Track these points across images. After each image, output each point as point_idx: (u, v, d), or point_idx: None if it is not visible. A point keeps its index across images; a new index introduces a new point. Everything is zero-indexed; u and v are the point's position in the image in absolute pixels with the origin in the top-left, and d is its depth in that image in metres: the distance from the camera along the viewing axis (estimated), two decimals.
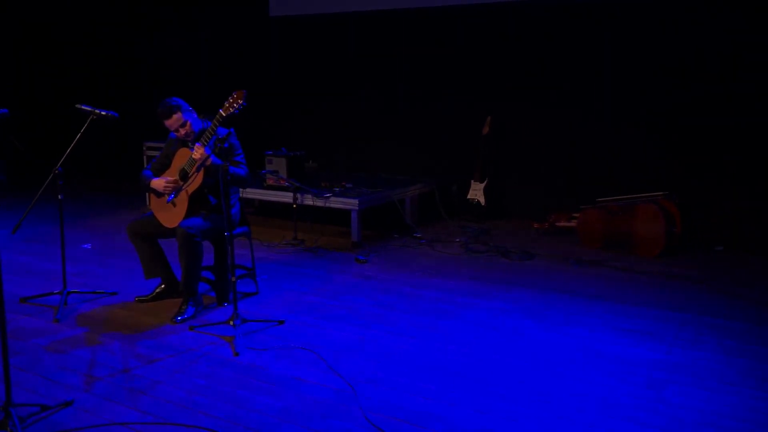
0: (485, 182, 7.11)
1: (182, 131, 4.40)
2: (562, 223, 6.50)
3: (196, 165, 4.29)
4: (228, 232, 4.08)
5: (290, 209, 6.35)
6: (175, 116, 4.35)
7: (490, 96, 7.14)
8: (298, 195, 6.30)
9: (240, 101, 4.15)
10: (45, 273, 5.30)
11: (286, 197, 6.38)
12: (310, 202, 6.30)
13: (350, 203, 6.12)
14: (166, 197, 4.46)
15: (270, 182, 6.53)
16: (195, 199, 4.40)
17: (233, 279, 4.04)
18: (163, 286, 4.69)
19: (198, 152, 4.23)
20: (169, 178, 4.46)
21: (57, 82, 10.01)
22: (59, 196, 4.48)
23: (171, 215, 4.47)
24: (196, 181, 4.33)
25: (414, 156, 7.63)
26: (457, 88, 7.31)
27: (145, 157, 7.87)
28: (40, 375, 3.51)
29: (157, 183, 4.48)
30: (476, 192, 7.17)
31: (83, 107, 4.47)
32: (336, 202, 6.19)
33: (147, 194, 4.59)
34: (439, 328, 4.21)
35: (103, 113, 4.45)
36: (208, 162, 4.24)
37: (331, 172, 7.59)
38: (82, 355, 3.78)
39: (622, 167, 6.49)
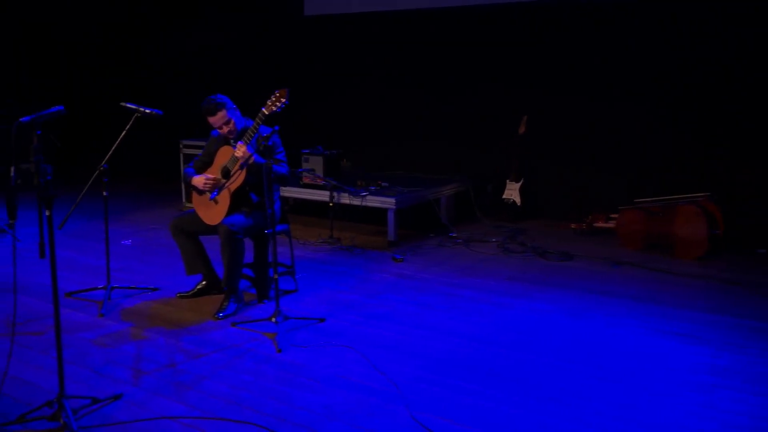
0: (521, 182, 7.07)
1: (225, 129, 4.44)
2: (600, 224, 6.44)
3: (239, 163, 4.33)
4: (271, 229, 4.11)
5: (324, 208, 6.38)
6: (219, 113, 4.39)
7: (525, 95, 7.09)
8: (335, 194, 6.32)
9: (283, 99, 4.18)
10: (87, 268, 5.39)
11: (323, 196, 6.41)
12: (347, 201, 6.32)
13: (387, 202, 6.12)
14: (209, 195, 4.51)
15: (306, 181, 6.56)
16: (237, 197, 4.44)
17: (275, 276, 4.06)
18: (204, 282, 4.74)
19: (240, 150, 4.26)
20: (209, 176, 4.51)
21: (94, 81, 10.17)
22: (104, 193, 4.55)
23: (213, 212, 4.51)
24: (239, 179, 4.37)
25: (448, 156, 7.61)
26: (493, 88, 7.28)
27: (181, 155, 7.96)
28: (88, 368, 3.57)
29: (198, 180, 4.53)
30: (512, 192, 7.13)
31: (128, 105, 4.53)
32: (373, 201, 6.20)
33: (190, 191, 4.63)
34: (480, 327, 4.19)
35: (147, 111, 4.51)
36: (251, 160, 4.27)
37: (366, 171, 7.60)
38: (128, 349, 3.84)
39: (661, 167, 6.41)
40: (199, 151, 7.73)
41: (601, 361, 3.70)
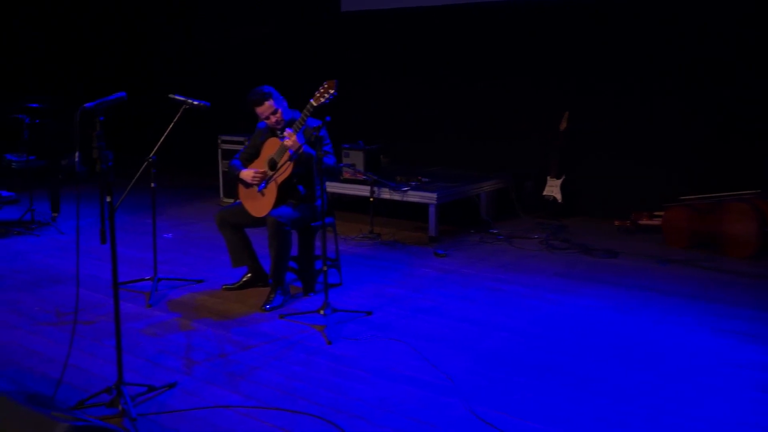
0: (562, 178, 6.97)
1: (273, 119, 4.42)
2: (645, 221, 6.32)
3: (288, 153, 4.31)
4: (320, 221, 4.09)
5: (362, 203, 6.34)
6: (266, 103, 4.38)
7: (567, 91, 6.99)
8: (375, 189, 6.29)
9: (331, 91, 4.15)
10: (131, 260, 5.42)
11: (363, 191, 6.38)
12: (387, 196, 6.28)
13: (428, 197, 6.07)
14: (256, 187, 4.50)
15: (347, 176, 6.53)
16: (284, 189, 4.42)
17: (324, 268, 4.04)
18: (249, 275, 4.74)
19: (291, 140, 4.24)
20: (258, 170, 4.50)
21: (134, 73, 10.27)
22: (152, 185, 4.57)
23: (259, 204, 4.51)
24: (286, 170, 4.35)
25: (487, 152, 7.53)
26: (533, 84, 7.19)
27: (220, 150, 7.99)
28: (141, 357, 3.58)
29: (246, 174, 4.52)
30: (552, 188, 7.04)
31: (176, 97, 4.54)
32: (413, 196, 6.16)
33: (235, 184, 4.63)
34: (528, 323, 4.13)
35: (195, 103, 4.52)
36: (300, 151, 4.25)
37: (404, 166, 7.56)
38: (177, 339, 3.84)
39: (707, 164, 6.27)
40: (238, 147, 7.82)
41: (655, 357, 3.61)
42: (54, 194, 6.74)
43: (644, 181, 6.62)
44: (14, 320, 4.11)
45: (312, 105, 4.19)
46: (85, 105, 2.66)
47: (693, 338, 3.87)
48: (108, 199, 2.73)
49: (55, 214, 6.75)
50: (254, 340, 3.82)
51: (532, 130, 7.23)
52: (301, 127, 4.29)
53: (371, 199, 6.29)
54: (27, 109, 6.42)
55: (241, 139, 7.79)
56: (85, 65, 10.03)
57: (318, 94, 4.18)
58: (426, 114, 7.92)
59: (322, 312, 4.02)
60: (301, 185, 4.48)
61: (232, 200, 7.67)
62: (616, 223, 6.47)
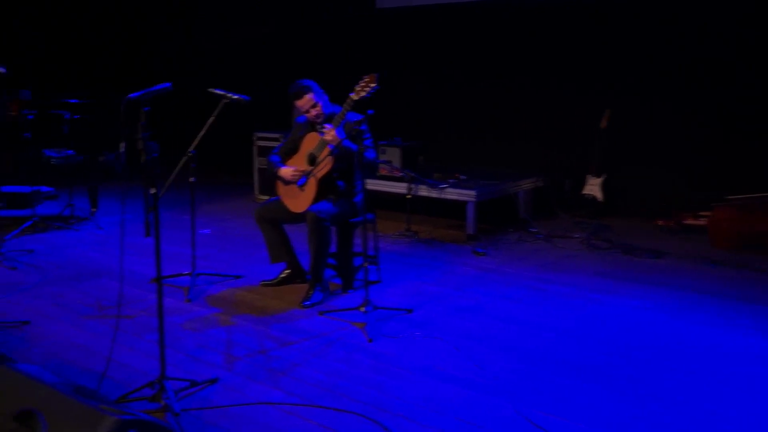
0: (603, 177, 6.82)
1: (313, 112, 4.37)
2: (689, 221, 6.15)
3: (328, 149, 4.26)
4: (361, 217, 4.03)
5: (398, 201, 6.27)
6: (306, 96, 4.33)
7: (607, 88, 6.84)
8: (412, 186, 6.21)
9: (372, 84, 4.09)
10: (169, 255, 5.39)
11: (400, 188, 6.31)
12: (425, 193, 6.20)
13: (467, 195, 5.98)
14: (295, 183, 4.45)
15: (383, 172, 6.47)
16: (323, 184, 4.37)
17: (365, 265, 3.98)
18: (288, 271, 4.70)
19: (329, 134, 4.19)
20: (297, 167, 4.45)
21: (168, 68, 10.34)
22: (191, 179, 4.55)
23: (298, 200, 4.46)
24: (326, 166, 4.30)
25: (524, 150, 7.41)
26: (572, 81, 7.05)
27: (255, 148, 7.98)
28: (181, 352, 3.55)
29: (285, 172, 4.47)
30: (592, 187, 6.89)
31: (216, 91, 4.52)
32: (452, 194, 6.07)
33: (274, 180, 4.60)
34: (573, 323, 4.02)
35: (235, 97, 4.47)
36: (341, 145, 4.19)
37: (439, 164, 7.46)
38: (217, 334, 3.81)
39: (755, 162, 6.07)
40: (274, 144, 7.80)
41: (706, 361, 3.48)
42: (92, 190, 6.79)
43: (688, 180, 6.44)
44: (57, 313, 4.13)
45: (352, 99, 4.14)
46: (130, 95, 2.63)
47: (746, 342, 3.73)
48: (152, 191, 2.70)
49: (94, 210, 6.80)
50: (294, 337, 3.77)
51: (571, 129, 7.09)
52: (341, 121, 4.24)
53: (408, 197, 6.22)
54: (67, 105, 6.47)
55: (276, 135, 7.78)
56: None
57: (358, 88, 4.12)
58: (462, 112, 7.82)
59: (362, 309, 3.95)
60: (341, 180, 4.43)
61: (267, 197, 7.66)
62: (659, 222, 6.31)
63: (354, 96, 4.12)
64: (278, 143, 7.62)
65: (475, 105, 7.73)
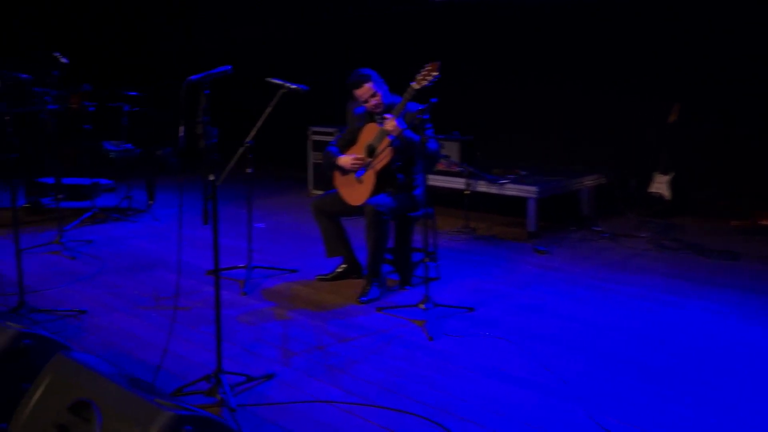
0: (671, 175, 6.50)
1: (372, 102, 4.24)
2: (766, 222, 5.79)
3: (387, 140, 4.12)
4: (421, 211, 3.88)
5: (454, 196, 6.09)
6: (366, 86, 4.20)
7: (676, 81, 6.51)
8: (471, 181, 6.03)
9: (434, 73, 3.94)
10: (224, 247, 5.29)
11: (457, 183, 6.13)
12: (483, 189, 6.01)
13: (528, 191, 5.76)
14: (353, 174, 4.33)
15: (440, 167, 6.29)
16: (382, 177, 4.24)
17: (426, 261, 3.82)
18: (344, 265, 4.58)
19: (389, 124, 4.05)
20: (357, 155, 4.33)
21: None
22: (248, 170, 4.48)
23: (356, 192, 4.34)
24: (385, 157, 4.16)
25: (585, 145, 7.14)
26: (637, 72, 6.74)
27: (310, 142, 7.92)
28: (238, 345, 3.46)
29: (344, 160, 4.36)
30: (660, 185, 6.57)
31: (273, 80, 4.43)
32: (512, 189, 5.86)
33: (332, 171, 4.49)
34: (645, 325, 3.78)
35: (293, 87, 4.37)
36: (401, 136, 4.05)
37: (496, 160, 7.25)
38: (274, 328, 3.71)
39: None
40: (329, 138, 7.72)
41: None
42: (150, 183, 6.82)
43: (764, 178, 6.08)
44: (114, 303, 4.10)
45: (413, 88, 3.99)
46: (190, 77, 2.54)
47: None
48: (211, 177, 2.61)
49: (151, 202, 6.83)
50: (352, 333, 3.64)
51: (636, 123, 6.79)
52: (401, 111, 4.09)
53: (466, 192, 6.03)
54: (125, 97, 6.51)
55: (332, 130, 7.69)
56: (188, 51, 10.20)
57: (420, 77, 3.97)
58: (520, 106, 7.58)
59: (422, 306, 3.80)
60: (401, 173, 4.28)
61: (321, 192, 7.57)
62: (733, 223, 5.97)
63: (415, 85, 3.98)
64: (334, 138, 7.61)
65: (534, 98, 7.49)
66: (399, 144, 4.09)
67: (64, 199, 7.06)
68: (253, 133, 4.41)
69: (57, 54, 5.37)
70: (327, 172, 4.55)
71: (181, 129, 2.51)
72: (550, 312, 4.00)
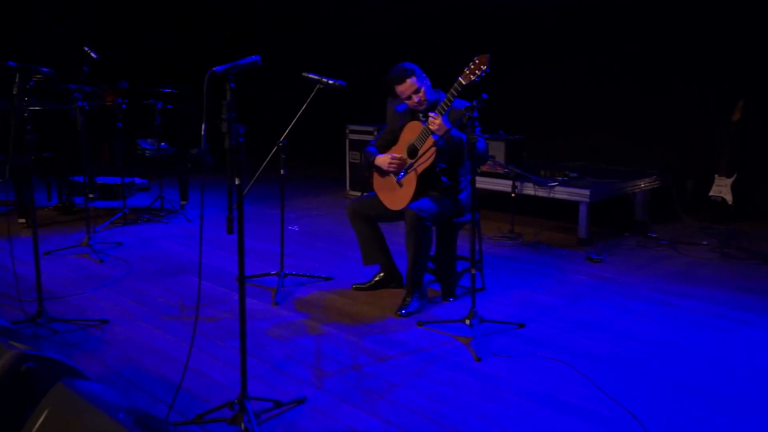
0: (733, 177, 6.04)
1: (415, 98, 3.92)
2: None
3: (431, 139, 3.80)
4: (468, 216, 3.55)
5: (499, 199, 5.74)
6: (408, 81, 3.88)
7: (739, 76, 6.05)
8: (517, 183, 5.66)
9: (483, 67, 3.60)
10: (255, 251, 5.11)
11: (503, 185, 5.77)
12: (530, 192, 5.64)
13: (580, 194, 5.38)
14: (393, 176, 4.02)
15: (484, 168, 5.95)
16: (425, 179, 3.92)
17: (472, 271, 3.49)
18: (382, 274, 4.28)
19: (435, 123, 3.73)
20: (395, 155, 4.02)
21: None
22: (282, 171, 4.20)
23: (396, 196, 4.03)
24: (428, 158, 3.84)
25: (637, 146, 6.72)
26: (695, 68, 6.29)
27: (347, 140, 7.64)
28: (266, 362, 3.18)
29: (382, 160, 4.05)
30: (721, 188, 6.12)
31: (310, 75, 4.15)
32: (562, 193, 5.48)
33: (371, 172, 4.19)
34: (717, 346, 3.39)
35: (330, 82, 4.10)
36: (447, 135, 3.72)
37: (542, 161, 6.85)
38: (306, 344, 3.42)
39: None
40: (367, 137, 7.43)
41: None
42: (183, 182, 6.63)
43: None
44: (138, 312, 3.87)
45: (460, 83, 3.66)
46: (214, 68, 2.26)
47: None
48: (236, 181, 2.32)
49: (184, 202, 6.64)
50: (391, 351, 3.33)
51: (693, 122, 6.36)
52: (446, 108, 3.77)
53: (512, 195, 5.68)
54: (159, 94, 6.31)
55: (371, 128, 7.40)
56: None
57: (468, 71, 3.64)
58: (566, 103, 7.18)
59: (467, 322, 3.47)
60: (445, 175, 3.96)
61: (359, 193, 7.30)
62: None
63: (462, 80, 3.65)
64: (372, 136, 7.33)
65: (582, 95, 7.07)
66: (444, 144, 3.76)
67: (97, 198, 6.92)
68: (286, 132, 4.13)
69: (87, 48, 5.17)
70: (364, 173, 4.25)
71: (203, 126, 2.23)
72: (607, 329, 3.63)
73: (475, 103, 3.36)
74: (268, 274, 4.42)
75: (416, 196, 3.93)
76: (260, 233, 5.63)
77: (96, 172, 6.75)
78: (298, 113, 4.08)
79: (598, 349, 3.37)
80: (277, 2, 9.90)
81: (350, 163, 7.64)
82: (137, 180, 7.68)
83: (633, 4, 6.60)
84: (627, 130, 6.79)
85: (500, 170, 5.80)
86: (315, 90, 4.10)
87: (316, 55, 9.64)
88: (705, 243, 5.39)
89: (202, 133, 2.23)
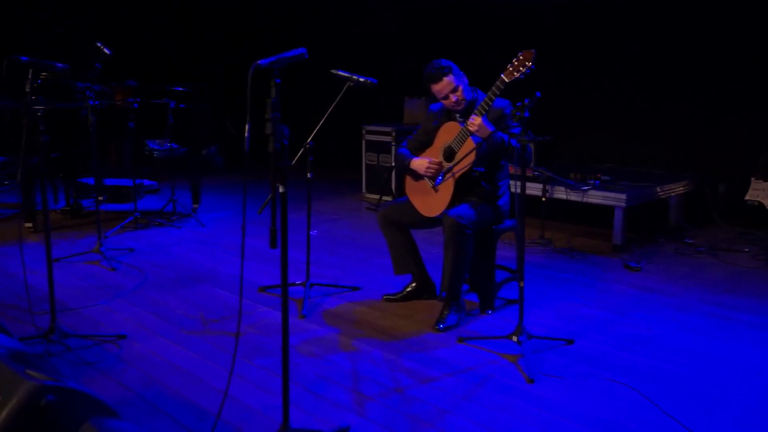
0: None
1: (452, 98, 3.66)
2: None
3: (471, 142, 3.54)
4: (508, 223, 3.30)
5: (528, 203, 5.46)
6: (446, 79, 3.62)
7: None
8: (548, 187, 5.41)
9: (528, 63, 3.35)
10: (275, 259, 4.82)
11: (533, 189, 5.51)
12: (562, 196, 5.39)
13: (616, 199, 5.12)
14: (428, 181, 3.77)
15: (510, 170, 5.67)
16: (462, 184, 3.66)
17: (521, 284, 3.23)
18: (414, 284, 4.02)
19: (475, 125, 3.47)
20: (433, 159, 3.76)
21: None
22: (308, 174, 3.95)
23: (432, 202, 3.77)
24: (467, 162, 3.58)
25: (668, 147, 6.44)
26: (727, 64, 6.02)
27: (363, 141, 7.39)
28: (300, 384, 2.92)
29: (418, 164, 3.79)
30: (759, 192, 5.83)
31: (339, 72, 3.90)
32: (596, 197, 5.22)
33: (403, 176, 3.94)
34: None
35: (361, 80, 3.85)
36: (490, 139, 3.46)
37: (574, 162, 6.59)
38: (340, 362, 3.16)
39: None
40: (383, 138, 7.17)
41: None
42: (195, 185, 6.37)
43: None
44: (157, 326, 3.60)
45: (503, 81, 3.41)
46: (259, 61, 2.00)
47: None
48: (281, 188, 2.07)
49: (196, 206, 6.38)
50: (434, 371, 3.07)
51: (727, 121, 6.09)
52: (486, 108, 3.51)
53: (543, 199, 5.42)
54: (170, 93, 6.06)
55: (387, 129, 7.15)
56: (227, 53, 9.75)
57: (511, 68, 3.39)
58: (594, 104, 6.91)
59: (515, 338, 3.21)
60: (484, 180, 3.70)
61: (375, 196, 7.04)
62: None
63: (505, 77, 3.39)
64: (389, 137, 7.07)
65: (610, 94, 6.81)
66: (486, 148, 3.50)
67: (106, 201, 6.67)
68: (314, 132, 3.88)
69: (100, 44, 4.92)
70: (402, 173, 3.99)
71: (247, 127, 1.97)
72: (664, 346, 3.37)
73: (527, 102, 3.10)
74: (294, 284, 4.16)
75: (453, 202, 3.67)
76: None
77: (104, 173, 6.50)
78: (327, 113, 3.83)
79: (658, 368, 3.11)
80: (277, 2, 9.62)
81: (366, 164, 7.39)
82: (146, 182, 7.42)
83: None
84: (656, 132, 6.52)
85: (530, 173, 5.53)
86: (344, 88, 3.84)
87: (317, 56, 9.35)
88: (747, 250, 5.14)
89: (246, 134, 1.97)
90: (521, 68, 3.37)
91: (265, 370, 3.06)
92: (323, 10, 9.28)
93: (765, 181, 5.83)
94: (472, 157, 3.55)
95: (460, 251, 3.53)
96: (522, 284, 3.21)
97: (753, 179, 5.90)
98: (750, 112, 5.92)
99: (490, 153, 3.57)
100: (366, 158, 7.39)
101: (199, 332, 3.52)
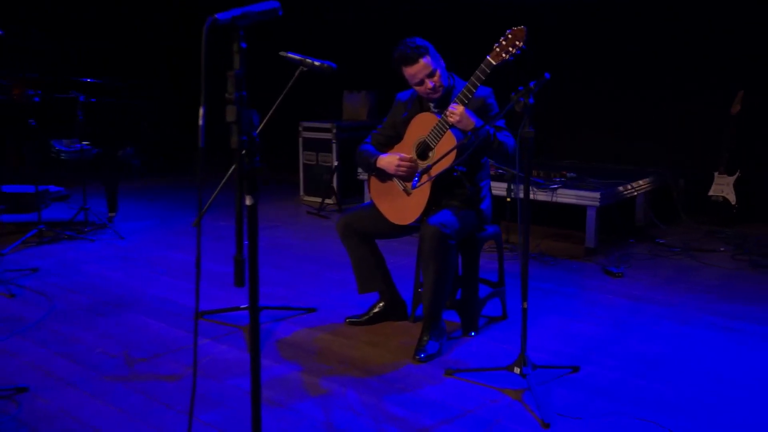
0: (736, 175, 5.52)
1: (429, 83, 3.09)
2: None
3: (451, 136, 2.99)
4: (491, 229, 2.76)
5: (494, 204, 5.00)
6: (422, 61, 3.05)
7: (738, 65, 5.55)
8: (512, 186, 4.94)
9: (518, 43, 2.84)
10: (211, 276, 4.13)
11: (496, 189, 5.00)
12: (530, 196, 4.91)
13: (589, 198, 4.70)
14: (401, 183, 3.19)
15: (493, 171, 5.17)
16: (440, 186, 3.10)
17: (524, 302, 2.69)
18: (381, 303, 3.43)
19: (456, 115, 2.92)
20: (405, 155, 3.18)
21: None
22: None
23: (403, 207, 3.20)
24: (447, 160, 3.02)
25: (629, 143, 6.13)
26: (689, 56, 5.75)
27: (300, 139, 6.74)
28: None
29: (387, 161, 3.20)
30: (722, 187, 5.59)
31: (290, 55, 3.26)
32: (567, 196, 4.79)
33: (368, 177, 3.34)
34: None
35: (317, 63, 3.23)
36: (477, 133, 2.92)
37: (534, 160, 6.13)
38: (309, 411, 2.54)
39: None
40: (323, 135, 6.53)
41: None
42: (111, 190, 5.56)
43: None
44: (68, 371, 2.87)
45: (489, 64, 2.89)
46: (216, 15, 1.37)
47: None
48: (248, 201, 1.44)
49: (112, 214, 5.57)
50: (426, 417, 2.49)
51: (686, 114, 5.83)
52: (469, 97, 2.97)
53: (508, 200, 4.94)
54: (79, 85, 5.24)
55: (327, 125, 6.52)
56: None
57: (499, 49, 2.87)
58: (553, 102, 6.51)
59: (517, 370, 2.67)
60: (468, 181, 3.15)
61: (315, 199, 6.41)
62: None
63: (492, 59, 2.88)
64: (330, 134, 6.44)
65: (565, 89, 6.43)
66: (471, 143, 2.95)
67: (5, 211, 5.76)
68: (261, 125, 3.22)
69: None
70: (367, 173, 3.39)
71: (201, 112, 1.33)
72: (679, 368, 2.92)
73: (532, 86, 2.56)
74: (237, 308, 3.49)
75: (429, 207, 3.11)
76: (216, 251, 4.65)
77: (1, 179, 5.60)
78: (276, 102, 3.19)
79: (681, 396, 2.65)
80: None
81: (304, 164, 6.76)
82: (52, 188, 6.51)
83: (630, 4, 6.01)
84: (617, 127, 6.19)
85: (493, 171, 5.04)
86: (297, 73, 3.22)
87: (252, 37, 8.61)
88: (722, 249, 4.82)
89: (200, 121, 1.33)
90: (510, 48, 2.85)
91: (214, 428, 2.41)
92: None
93: (729, 175, 5.58)
94: (452, 155, 3.00)
95: (444, 266, 2.97)
96: (525, 305, 2.68)
97: (716, 174, 5.65)
98: (712, 106, 5.65)
99: (478, 151, 3.02)
100: (304, 157, 6.75)
101: (124, 378, 2.81)
